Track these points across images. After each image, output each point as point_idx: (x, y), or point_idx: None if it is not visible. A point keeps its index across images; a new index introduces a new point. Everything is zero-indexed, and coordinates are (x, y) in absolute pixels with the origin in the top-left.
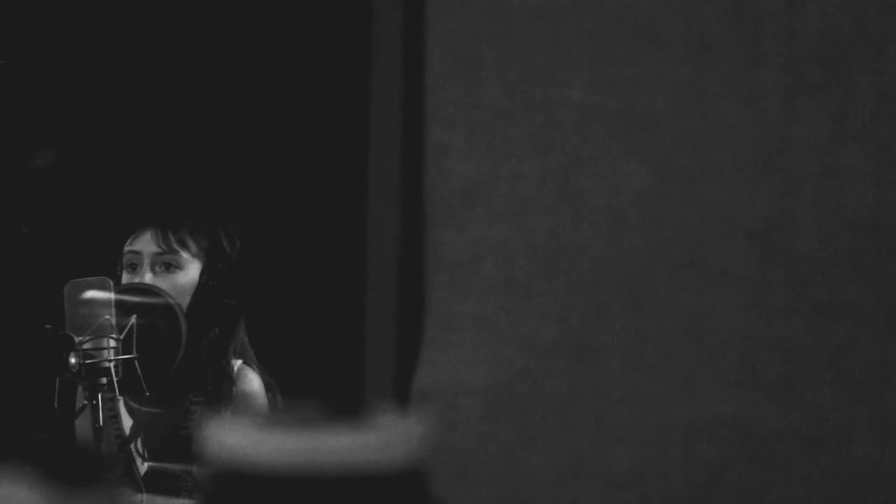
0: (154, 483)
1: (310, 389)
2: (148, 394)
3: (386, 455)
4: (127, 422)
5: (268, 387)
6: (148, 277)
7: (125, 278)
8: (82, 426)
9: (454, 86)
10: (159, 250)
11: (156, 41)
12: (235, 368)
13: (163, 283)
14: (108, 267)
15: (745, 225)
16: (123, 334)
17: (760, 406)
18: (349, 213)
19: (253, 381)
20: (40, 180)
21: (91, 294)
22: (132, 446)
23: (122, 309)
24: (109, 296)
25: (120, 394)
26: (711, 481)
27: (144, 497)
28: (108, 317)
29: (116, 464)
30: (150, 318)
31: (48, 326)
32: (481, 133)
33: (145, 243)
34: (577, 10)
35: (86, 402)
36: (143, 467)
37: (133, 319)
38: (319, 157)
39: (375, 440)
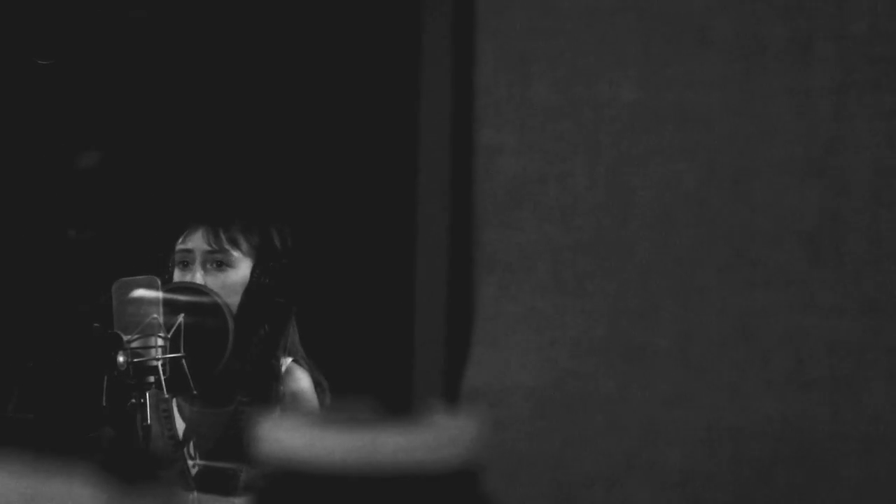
0: (205, 482)
1: (359, 388)
2: (195, 392)
3: (439, 454)
4: (180, 423)
5: (317, 385)
6: (199, 276)
7: (177, 276)
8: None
9: (504, 85)
10: (210, 248)
11: (206, 39)
12: (284, 367)
13: (214, 281)
14: (157, 265)
15: (796, 224)
16: (171, 333)
17: (811, 406)
18: (399, 212)
19: (302, 380)
20: (88, 180)
21: (139, 293)
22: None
23: (170, 308)
24: (157, 294)
25: (167, 392)
26: (761, 482)
27: (195, 496)
28: (155, 315)
29: (170, 462)
30: (198, 317)
31: (97, 325)
32: (531, 132)
33: (197, 241)
34: (627, 8)
35: (133, 400)
36: (194, 467)
37: (180, 318)
38: (370, 156)
39: (428, 439)
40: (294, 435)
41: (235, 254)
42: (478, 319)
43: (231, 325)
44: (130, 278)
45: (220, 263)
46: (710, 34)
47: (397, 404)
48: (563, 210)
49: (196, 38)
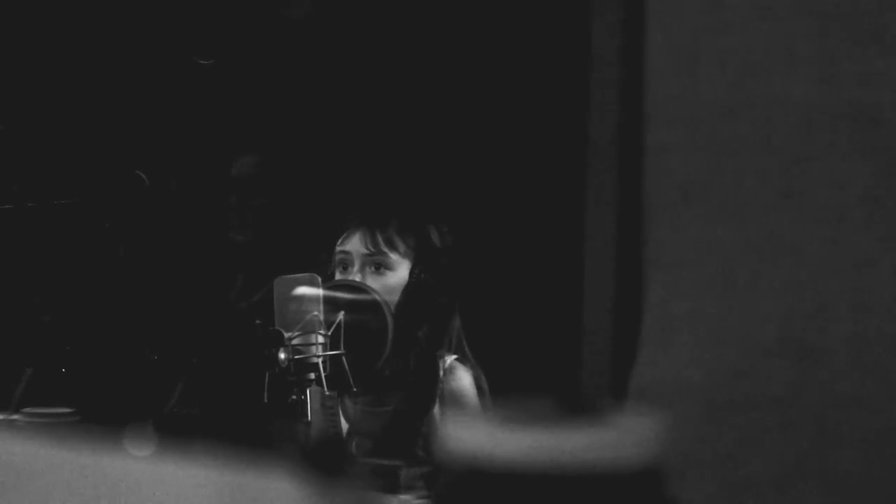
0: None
1: (525, 387)
2: (355, 390)
3: (624, 454)
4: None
5: (478, 383)
6: (358, 278)
7: (337, 277)
8: (315, 424)
9: (673, 83)
10: (368, 251)
11: (367, 41)
12: (446, 365)
13: (373, 283)
14: (319, 266)
15: None
16: (331, 330)
17: None
18: (567, 211)
19: (463, 378)
20: (250, 182)
21: (300, 290)
22: (351, 445)
23: (330, 305)
24: (318, 292)
25: (328, 389)
26: None
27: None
28: (316, 313)
29: (359, 460)
30: (358, 315)
31: (258, 322)
32: (701, 131)
33: (355, 244)
34: (800, 4)
35: (294, 397)
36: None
37: (341, 316)
38: (537, 155)
39: (612, 439)
40: (476, 433)
41: (393, 256)
42: (646, 319)
43: (391, 322)
44: (292, 276)
45: (379, 266)
46: (886, 31)
47: (579, 404)
48: (733, 209)
49: (356, 39)
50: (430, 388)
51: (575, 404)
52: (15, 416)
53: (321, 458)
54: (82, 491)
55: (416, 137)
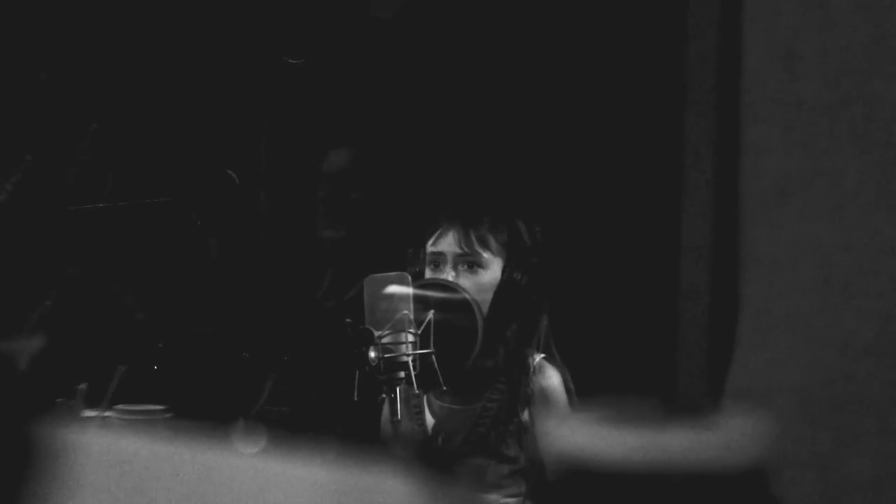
0: None
1: (622, 388)
2: (444, 388)
3: (723, 454)
4: (429, 419)
5: (566, 383)
6: (451, 277)
7: (428, 275)
8: (386, 420)
9: (771, 81)
10: (461, 251)
11: (458, 40)
12: (535, 363)
13: (466, 282)
14: (408, 262)
15: None
16: (421, 329)
17: None
18: (663, 210)
19: (552, 377)
20: (338, 179)
21: (391, 289)
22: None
23: (420, 304)
24: (408, 291)
25: (417, 388)
26: None
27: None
28: (406, 312)
29: (463, 460)
30: (447, 314)
31: (349, 321)
32: (799, 130)
33: (448, 244)
34: None
35: (384, 395)
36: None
37: (430, 315)
38: (634, 155)
39: (718, 439)
40: (575, 433)
41: (486, 255)
42: (742, 318)
43: (480, 322)
44: (382, 275)
45: (472, 265)
46: None
47: (679, 405)
48: (831, 208)
49: (445, 36)
50: (518, 386)
51: (675, 405)
52: (108, 413)
53: (432, 457)
54: (187, 487)
55: (511, 135)
